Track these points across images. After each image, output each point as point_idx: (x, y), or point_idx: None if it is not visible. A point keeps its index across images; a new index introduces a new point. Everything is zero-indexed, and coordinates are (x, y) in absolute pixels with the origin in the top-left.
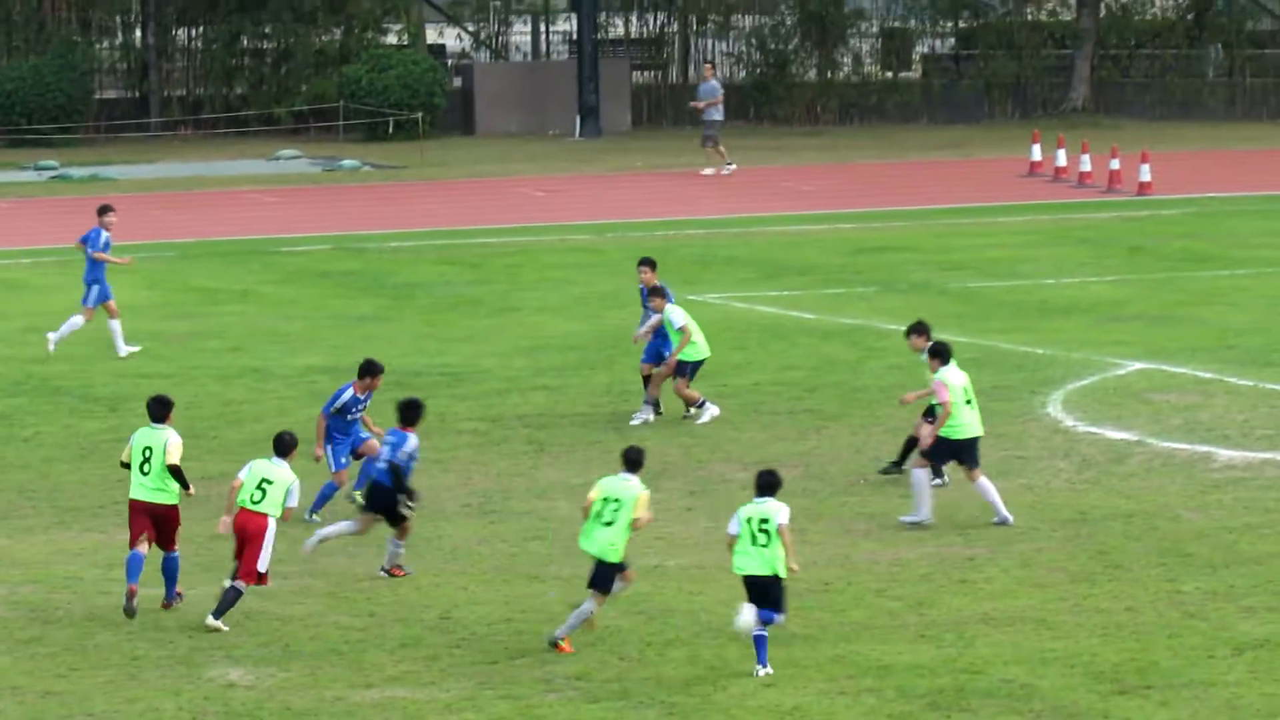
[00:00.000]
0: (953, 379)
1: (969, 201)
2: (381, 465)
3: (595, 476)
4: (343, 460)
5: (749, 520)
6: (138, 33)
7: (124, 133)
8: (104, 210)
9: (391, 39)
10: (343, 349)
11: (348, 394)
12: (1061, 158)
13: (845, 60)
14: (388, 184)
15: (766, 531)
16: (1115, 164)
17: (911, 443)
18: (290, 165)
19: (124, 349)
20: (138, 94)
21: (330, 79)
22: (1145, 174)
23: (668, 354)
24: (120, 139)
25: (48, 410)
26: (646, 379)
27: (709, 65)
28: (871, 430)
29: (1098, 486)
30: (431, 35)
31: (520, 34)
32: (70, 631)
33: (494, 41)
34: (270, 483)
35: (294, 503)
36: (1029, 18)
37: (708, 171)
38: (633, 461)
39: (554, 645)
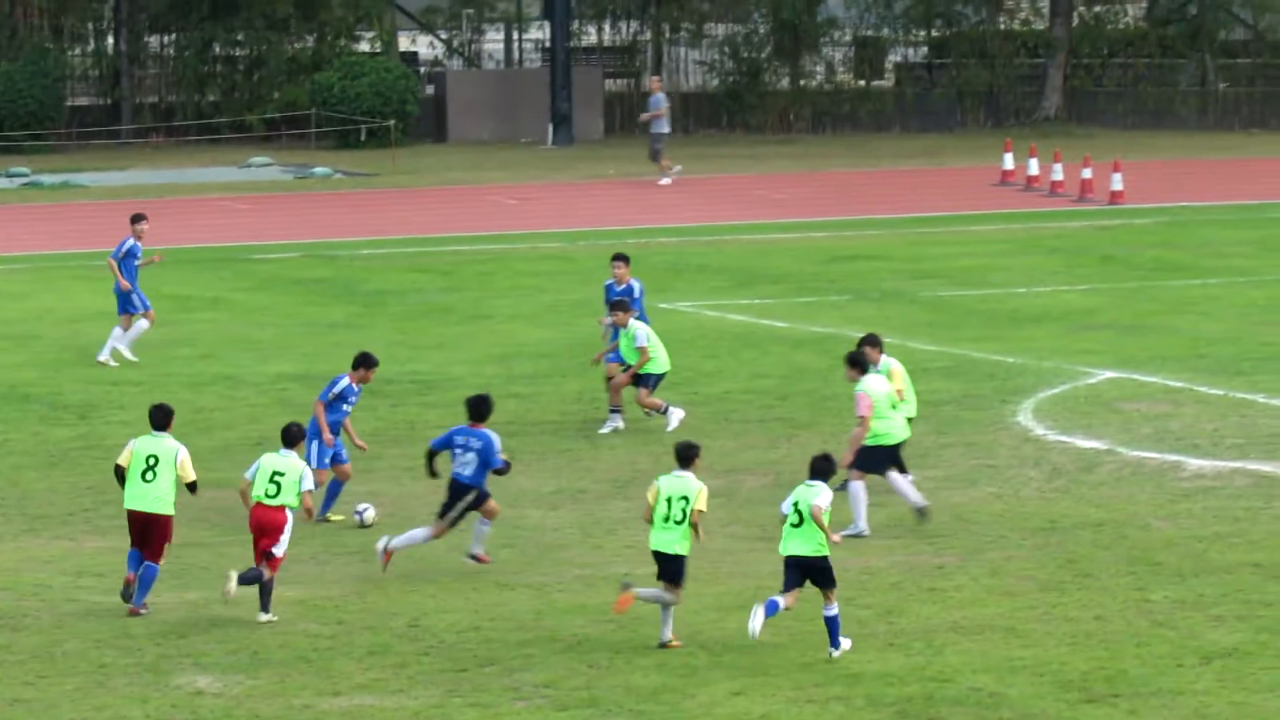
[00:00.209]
0: (875, 388)
1: (941, 210)
2: (467, 472)
3: (564, 485)
4: (325, 461)
5: (795, 502)
6: (110, 39)
7: (96, 140)
8: (136, 219)
9: (364, 46)
10: (314, 356)
11: (344, 382)
12: (1034, 167)
13: (818, 68)
14: (360, 191)
15: (800, 512)
16: (1087, 173)
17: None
18: (262, 172)
19: (106, 355)
20: (110, 101)
21: (303, 86)
22: (1117, 183)
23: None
24: (92, 146)
25: (16, 418)
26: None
27: (655, 78)
28: (842, 439)
29: (1067, 495)
30: (404, 43)
31: (493, 42)
32: (38, 639)
33: (467, 49)
34: (282, 474)
35: (309, 486)
36: (1002, 27)
37: (664, 182)
38: (684, 457)
39: (664, 646)
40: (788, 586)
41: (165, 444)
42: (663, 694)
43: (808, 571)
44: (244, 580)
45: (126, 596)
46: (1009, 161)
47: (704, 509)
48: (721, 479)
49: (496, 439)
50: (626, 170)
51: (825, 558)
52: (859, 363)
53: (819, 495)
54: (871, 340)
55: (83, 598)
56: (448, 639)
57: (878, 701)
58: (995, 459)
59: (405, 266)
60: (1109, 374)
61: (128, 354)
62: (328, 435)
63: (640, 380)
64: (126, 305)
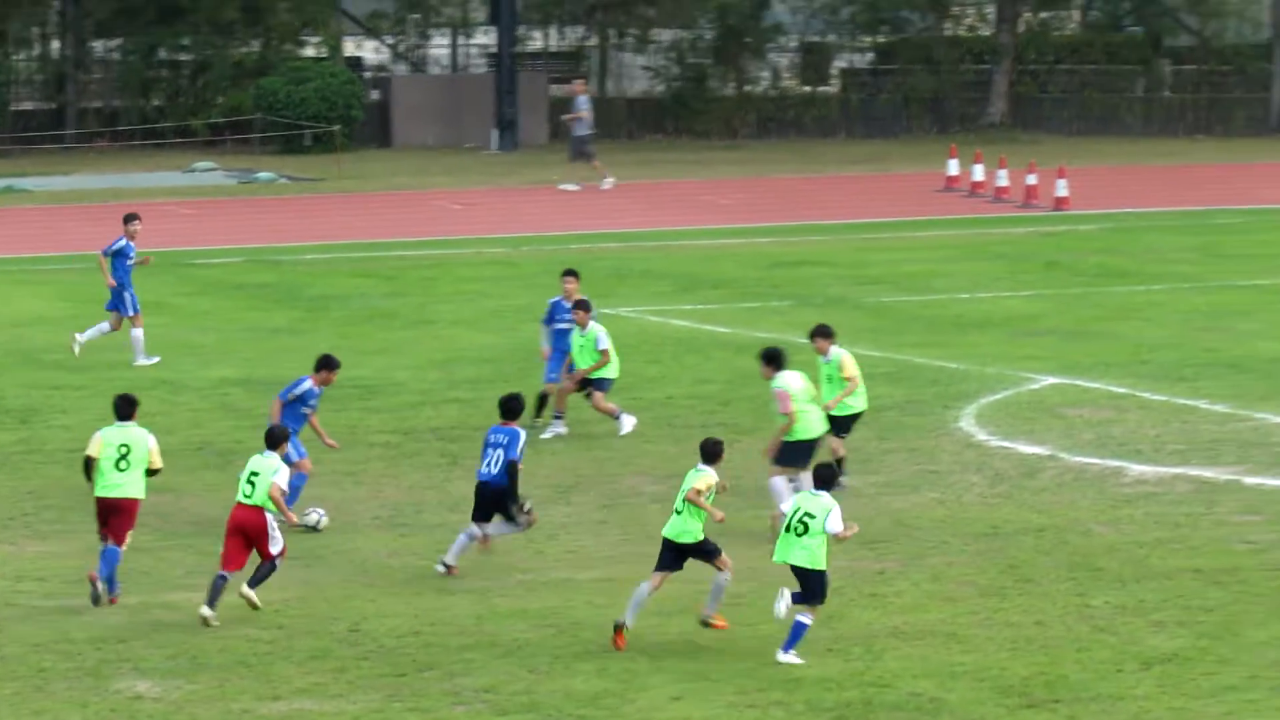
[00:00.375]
0: (792, 384)
1: (886, 216)
2: (489, 470)
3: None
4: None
5: (796, 509)
6: (55, 44)
7: (40, 144)
8: (129, 218)
9: (309, 51)
10: (256, 361)
11: (306, 384)
12: (979, 173)
13: (764, 74)
14: (304, 196)
15: (806, 524)
16: (1032, 179)
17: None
18: (206, 177)
19: (79, 345)
20: (54, 105)
21: (247, 91)
22: (1062, 189)
23: (572, 369)
24: (36, 150)
25: None
26: (545, 398)
27: (580, 81)
28: None
29: (1009, 501)
30: (350, 48)
31: (439, 47)
32: None
33: (412, 54)
34: (257, 474)
35: (279, 480)
36: (948, 33)
37: (608, 183)
38: (709, 453)
39: (705, 623)
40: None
41: (134, 432)
42: (603, 699)
43: (799, 579)
44: (253, 584)
45: (95, 599)
46: (954, 167)
47: (700, 489)
48: (663, 484)
49: (523, 434)
50: (572, 175)
51: (819, 572)
52: (774, 360)
53: (832, 517)
54: (823, 331)
55: (21, 602)
56: (388, 644)
57: (817, 706)
58: (938, 464)
59: (349, 271)
60: (1052, 380)
61: (142, 360)
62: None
63: (594, 385)
64: (117, 303)
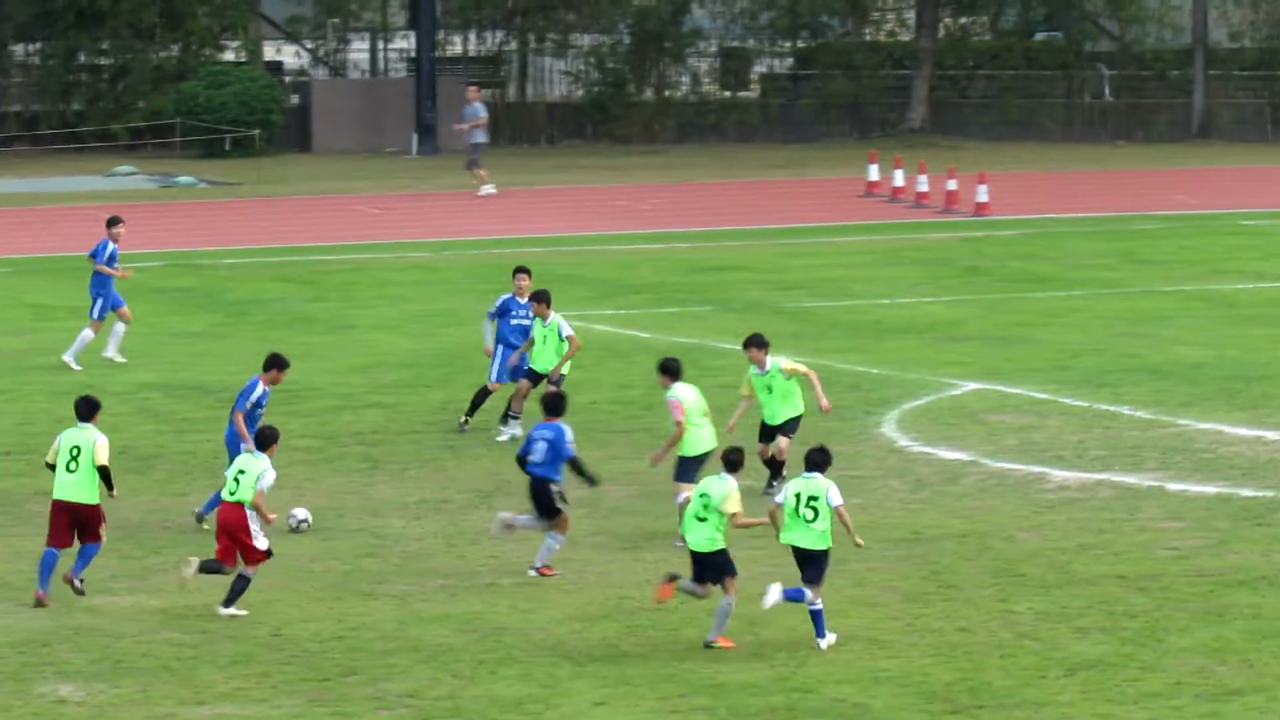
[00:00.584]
0: (686, 396)
1: (806, 221)
2: (538, 459)
3: (428, 495)
4: None
5: (797, 495)
6: None
7: None
8: (113, 222)
9: (229, 56)
10: (177, 366)
11: (259, 388)
12: (899, 178)
13: (683, 79)
14: (224, 201)
15: (814, 508)
16: (952, 184)
17: (776, 465)
18: (127, 181)
19: (112, 351)
20: None
21: (168, 95)
22: (982, 194)
23: (525, 361)
24: None
25: None
26: (484, 394)
27: (473, 88)
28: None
29: (932, 506)
30: (269, 52)
31: (358, 51)
32: None
33: (332, 59)
34: (244, 473)
35: (264, 485)
36: (867, 38)
37: (486, 190)
38: (731, 463)
39: (710, 646)
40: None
41: (87, 434)
42: (526, 704)
43: (802, 561)
44: (204, 569)
45: (40, 603)
46: (874, 173)
47: (733, 511)
48: (585, 490)
49: (569, 430)
50: (493, 180)
51: (825, 551)
52: (670, 371)
53: (830, 491)
54: (756, 341)
55: None
56: (311, 648)
57: (741, 712)
58: (859, 470)
59: (269, 276)
60: (974, 385)
61: (74, 365)
62: (249, 444)
63: (543, 379)
64: (115, 300)
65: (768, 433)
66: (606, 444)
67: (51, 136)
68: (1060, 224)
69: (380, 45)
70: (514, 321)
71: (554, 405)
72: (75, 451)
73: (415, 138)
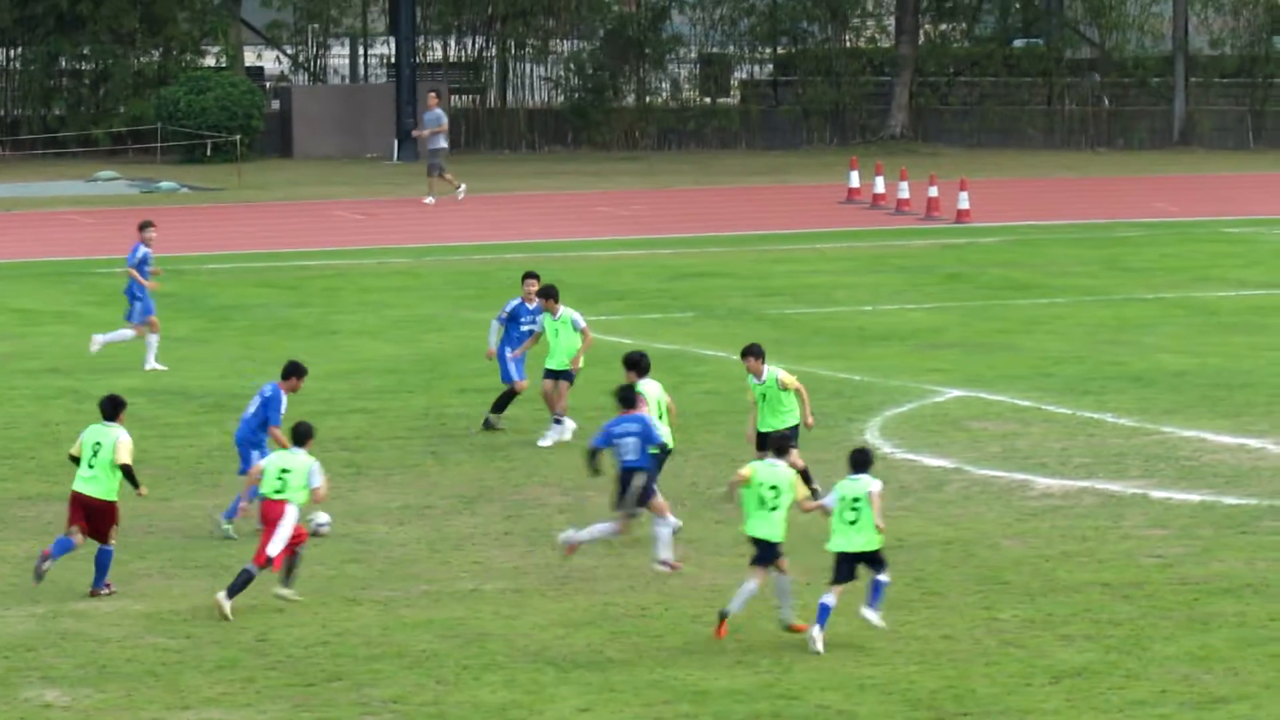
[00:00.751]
0: (649, 391)
1: (787, 228)
2: (631, 457)
3: (411, 501)
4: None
5: (842, 498)
6: None
7: None
8: (144, 225)
9: (210, 61)
10: (159, 371)
11: (284, 400)
12: (880, 185)
13: (664, 86)
14: (205, 206)
15: (857, 509)
16: (933, 191)
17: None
18: (108, 187)
19: (153, 365)
20: None
21: (148, 101)
22: (963, 201)
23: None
24: None
25: None
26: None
27: (433, 94)
28: (689, 455)
29: (915, 514)
30: (250, 58)
31: (339, 57)
32: None
33: (312, 64)
34: (288, 471)
35: (318, 483)
36: (848, 44)
37: (429, 200)
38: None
39: (722, 617)
40: (838, 580)
41: (109, 432)
42: (510, 710)
43: (862, 561)
44: (230, 594)
45: (38, 575)
46: (855, 179)
47: (799, 495)
48: (569, 495)
49: (652, 420)
50: (474, 186)
51: (878, 550)
52: (637, 364)
53: (874, 486)
54: (754, 351)
55: None
56: (296, 653)
57: (726, 718)
58: (842, 477)
59: (251, 281)
60: (956, 392)
61: (96, 345)
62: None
63: (565, 376)
64: (143, 310)
65: (761, 440)
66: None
67: (32, 142)
68: (1042, 231)
69: (360, 51)
70: (524, 328)
71: (627, 397)
72: (96, 448)
73: (396, 143)
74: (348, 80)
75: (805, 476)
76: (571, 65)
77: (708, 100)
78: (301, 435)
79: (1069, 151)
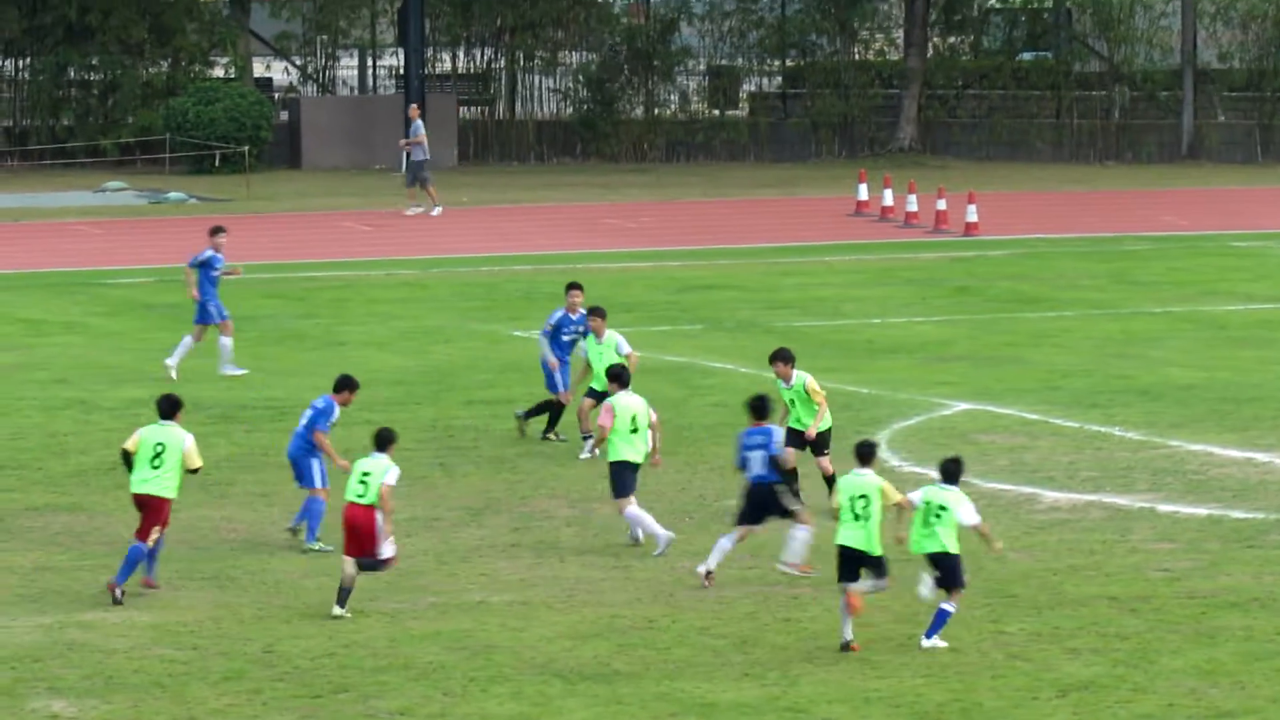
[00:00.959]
0: (621, 404)
1: (795, 240)
2: (760, 470)
3: (419, 513)
4: (326, 481)
5: (927, 503)
6: None
7: None
8: (215, 231)
9: (219, 72)
10: (168, 382)
11: (336, 410)
12: (888, 197)
13: (672, 98)
14: (214, 217)
15: (940, 516)
16: (942, 204)
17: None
18: (117, 197)
19: (174, 371)
20: None
21: (157, 111)
22: (972, 214)
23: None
24: None
25: None
26: (559, 406)
27: (414, 106)
28: (697, 468)
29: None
30: (259, 68)
31: (348, 68)
32: None
33: (321, 75)
34: (369, 474)
35: (390, 480)
36: (856, 57)
37: (411, 211)
38: (863, 455)
39: (846, 647)
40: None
41: (173, 433)
42: None
43: (936, 566)
44: (343, 596)
45: (112, 594)
46: (863, 192)
47: (895, 498)
48: (576, 508)
49: (779, 431)
50: (482, 198)
51: (956, 557)
52: (619, 376)
53: (960, 506)
54: (782, 355)
55: None
56: (302, 665)
57: None
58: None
59: (260, 292)
60: (964, 406)
61: (230, 370)
62: (342, 462)
63: (596, 394)
64: (203, 316)
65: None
66: (595, 462)
67: (41, 152)
68: (1050, 244)
69: (369, 62)
70: (565, 338)
71: (761, 408)
72: (159, 448)
73: (404, 155)
74: (356, 91)
75: (828, 482)
76: (580, 76)
77: (716, 112)
78: (382, 441)
79: (1077, 165)
